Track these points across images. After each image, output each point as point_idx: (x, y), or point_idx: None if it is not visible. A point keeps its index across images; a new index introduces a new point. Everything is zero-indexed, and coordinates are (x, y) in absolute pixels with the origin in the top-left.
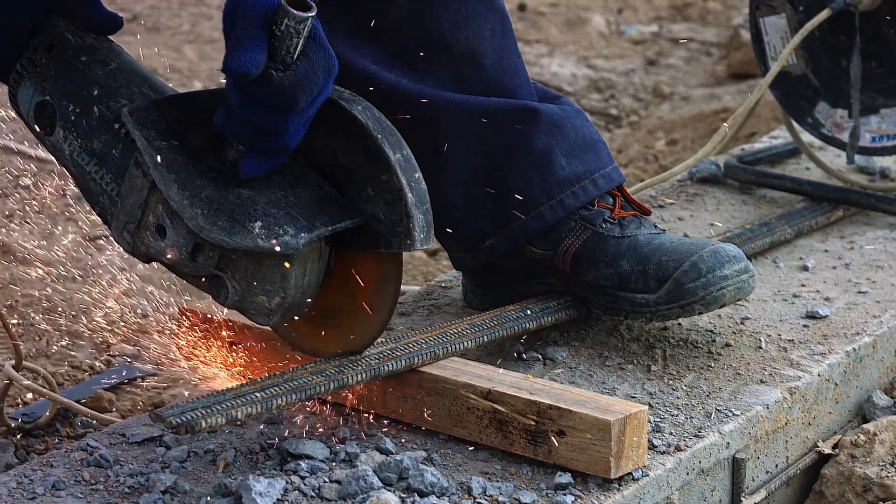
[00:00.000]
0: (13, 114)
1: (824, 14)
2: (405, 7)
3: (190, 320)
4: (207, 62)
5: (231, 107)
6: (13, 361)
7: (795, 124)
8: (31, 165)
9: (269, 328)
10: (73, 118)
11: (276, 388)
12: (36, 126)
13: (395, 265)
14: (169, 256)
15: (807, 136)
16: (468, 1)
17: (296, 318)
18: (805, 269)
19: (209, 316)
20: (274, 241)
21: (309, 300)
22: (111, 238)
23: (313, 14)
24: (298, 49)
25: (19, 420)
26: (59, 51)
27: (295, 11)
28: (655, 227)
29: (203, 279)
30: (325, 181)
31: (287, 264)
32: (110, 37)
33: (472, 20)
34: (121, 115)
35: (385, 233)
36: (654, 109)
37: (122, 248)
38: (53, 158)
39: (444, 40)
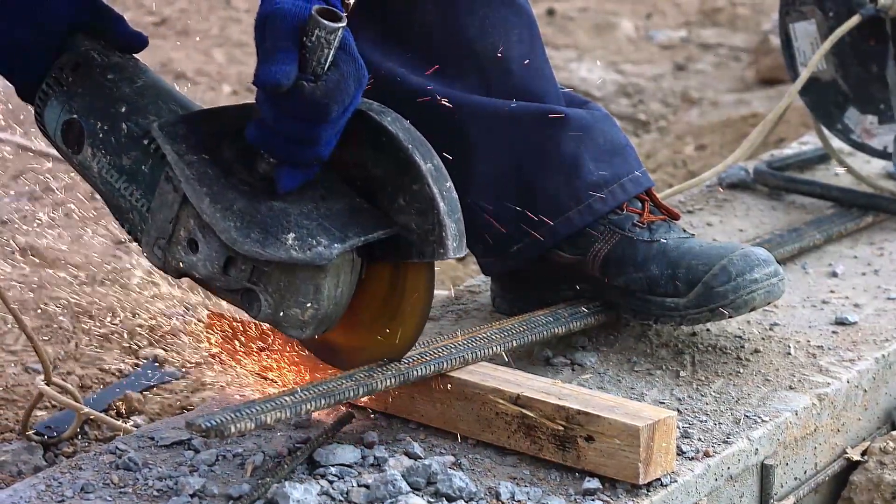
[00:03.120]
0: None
1: (854, 20)
2: (433, 13)
3: (218, 323)
4: (236, 66)
5: (263, 119)
6: (42, 377)
7: (825, 130)
8: (61, 168)
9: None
10: (101, 135)
11: (305, 393)
12: (63, 144)
13: (427, 274)
14: (201, 271)
15: (836, 142)
16: (495, 6)
17: (328, 330)
18: (834, 275)
19: (238, 319)
20: (308, 252)
21: (342, 312)
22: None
23: (344, 24)
24: (329, 60)
25: (45, 436)
26: (86, 69)
27: (326, 22)
28: (684, 231)
29: (235, 293)
30: (356, 193)
31: (320, 275)
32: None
33: (499, 26)
34: (150, 131)
35: (417, 242)
36: (682, 114)
37: (152, 264)
38: (83, 179)
39: (471, 45)
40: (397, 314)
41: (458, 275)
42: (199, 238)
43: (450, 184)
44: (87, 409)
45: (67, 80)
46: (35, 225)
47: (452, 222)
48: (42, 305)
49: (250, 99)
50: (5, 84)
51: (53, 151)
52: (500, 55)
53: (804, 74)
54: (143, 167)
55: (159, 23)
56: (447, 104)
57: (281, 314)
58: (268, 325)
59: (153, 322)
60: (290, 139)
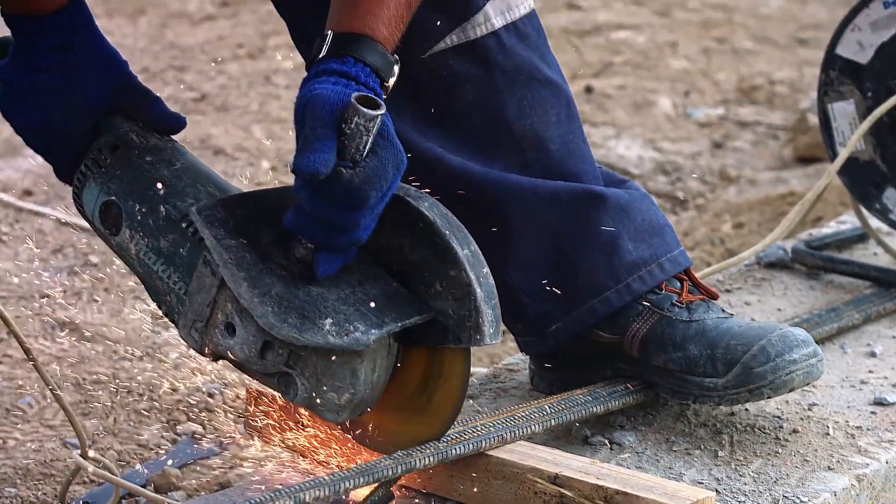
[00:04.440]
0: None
1: (893, 100)
2: (471, 93)
3: (257, 400)
4: (275, 142)
5: (301, 205)
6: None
7: (863, 210)
8: (101, 243)
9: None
10: (139, 217)
11: (344, 471)
12: (101, 226)
13: (463, 359)
14: (238, 354)
15: (874, 222)
16: (534, 86)
17: (364, 413)
18: (873, 355)
19: (277, 396)
20: (345, 337)
21: (378, 396)
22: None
23: (383, 111)
24: (368, 146)
25: None
26: (124, 151)
27: (365, 110)
28: (723, 311)
29: (272, 376)
30: (393, 277)
31: (357, 360)
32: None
33: (537, 106)
34: (188, 214)
35: (454, 328)
36: (720, 192)
37: (190, 348)
38: (120, 260)
39: (510, 126)
40: (434, 398)
41: (496, 352)
42: (237, 322)
43: (486, 270)
44: (125, 484)
45: (106, 161)
46: (74, 299)
47: (489, 308)
48: (81, 380)
49: (289, 176)
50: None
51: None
52: (538, 135)
53: (843, 154)
54: (181, 250)
55: (199, 98)
56: (486, 184)
57: (317, 398)
58: (303, 408)
59: (191, 397)
60: (327, 225)
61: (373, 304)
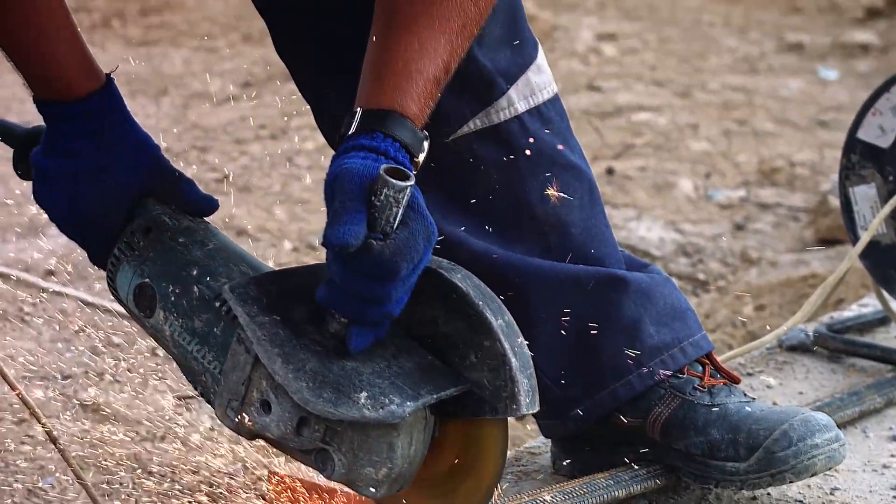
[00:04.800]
0: (95, 273)
1: None
2: (495, 177)
3: (279, 483)
4: (297, 222)
5: (333, 279)
6: None
7: (885, 293)
8: (124, 324)
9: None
10: (173, 299)
11: None
12: (135, 309)
13: (500, 430)
14: (274, 432)
15: None
16: (557, 171)
17: (402, 488)
18: (894, 439)
19: (299, 479)
20: (380, 410)
21: (415, 470)
22: (215, 416)
23: (412, 182)
24: (398, 218)
25: None
26: (157, 233)
27: (394, 181)
28: (745, 395)
29: (309, 453)
30: (427, 350)
31: (393, 434)
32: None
33: (560, 190)
34: (221, 293)
35: (490, 399)
36: (741, 274)
37: (225, 426)
38: (154, 342)
39: (533, 209)
40: (472, 470)
41: (517, 435)
42: (272, 399)
43: (521, 339)
44: None
45: (139, 244)
46: (97, 380)
47: (525, 378)
48: (103, 461)
49: (311, 256)
50: (68, 240)
51: (116, 307)
52: (561, 219)
53: (864, 238)
54: (214, 329)
55: (221, 179)
56: (508, 268)
57: (355, 474)
58: (341, 484)
59: (213, 479)
60: (360, 298)
61: (408, 377)
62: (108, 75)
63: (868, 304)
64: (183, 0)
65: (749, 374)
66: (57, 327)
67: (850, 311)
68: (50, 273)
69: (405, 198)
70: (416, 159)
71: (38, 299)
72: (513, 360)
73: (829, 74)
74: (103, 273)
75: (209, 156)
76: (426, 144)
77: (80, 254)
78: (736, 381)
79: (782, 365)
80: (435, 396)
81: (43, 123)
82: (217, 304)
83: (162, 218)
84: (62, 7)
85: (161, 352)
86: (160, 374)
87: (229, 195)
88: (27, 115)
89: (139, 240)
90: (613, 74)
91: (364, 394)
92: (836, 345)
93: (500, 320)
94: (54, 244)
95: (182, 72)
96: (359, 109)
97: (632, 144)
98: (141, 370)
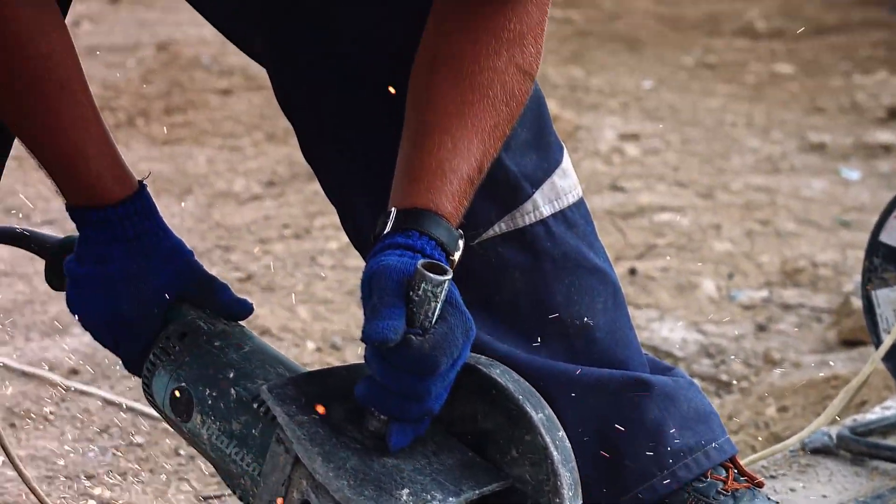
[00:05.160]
0: (120, 372)
1: None
2: (520, 280)
3: None
4: (321, 322)
5: (372, 377)
6: None
7: None
8: (145, 423)
9: None
10: (210, 402)
11: None
12: (172, 414)
13: None
14: None
15: None
16: (582, 274)
17: None
18: None
19: None
20: None
21: None
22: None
23: (449, 277)
24: (436, 313)
25: None
26: (193, 338)
27: (432, 275)
28: (768, 498)
29: None
30: (467, 446)
31: None
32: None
33: (585, 293)
34: (259, 395)
35: (532, 494)
36: (764, 375)
37: None
38: (191, 446)
39: (556, 313)
40: None
41: None
42: (313, 498)
43: (562, 433)
44: None
45: (174, 349)
46: (119, 479)
47: (567, 471)
48: None
49: (334, 356)
50: (91, 338)
51: (139, 406)
52: (585, 323)
53: (887, 342)
54: (253, 431)
55: (245, 278)
56: (533, 371)
57: None
58: None
59: None
60: (399, 395)
61: (449, 474)
62: (140, 182)
63: (891, 407)
64: (207, 99)
65: (772, 477)
66: (80, 426)
67: (874, 414)
68: (73, 372)
69: (443, 292)
70: (451, 257)
71: (61, 398)
72: (555, 453)
73: (851, 174)
74: (126, 372)
75: (233, 255)
76: (461, 243)
77: (104, 353)
78: (760, 484)
79: (805, 468)
80: (477, 492)
81: (72, 233)
82: (255, 406)
83: (197, 322)
84: (94, 115)
85: (184, 451)
86: (183, 474)
87: (253, 295)
88: (52, 213)
89: (174, 344)
90: (636, 175)
91: (406, 490)
92: (860, 447)
93: (541, 414)
94: (78, 343)
95: (206, 171)
96: (393, 209)
97: (654, 245)
98: (164, 469)
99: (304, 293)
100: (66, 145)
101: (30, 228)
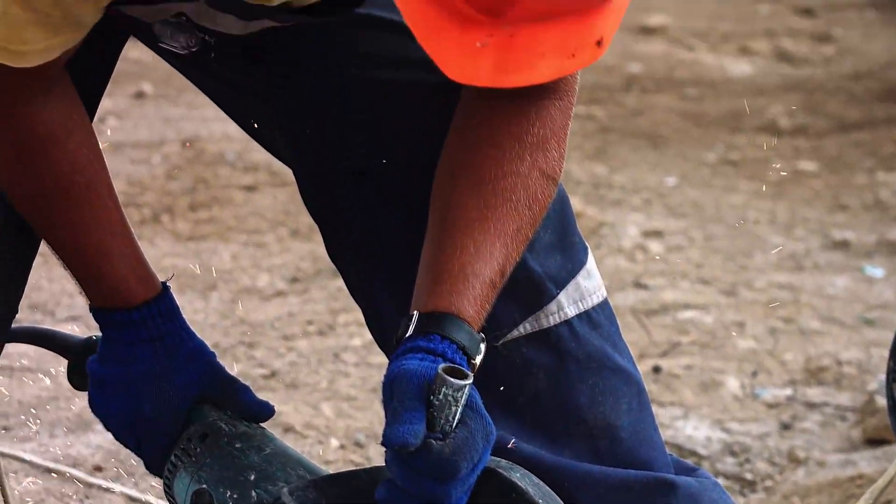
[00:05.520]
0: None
1: None
2: (544, 381)
3: None
4: (344, 419)
5: (392, 480)
6: None
7: None
8: None
9: None
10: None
11: None
12: None
13: None
14: None
15: None
16: (606, 375)
17: None
18: None
19: None
20: None
21: None
22: None
23: (470, 381)
24: (457, 417)
25: None
26: (214, 439)
27: (452, 380)
28: None
29: None
30: None
31: None
32: None
33: (609, 394)
34: (280, 497)
35: None
36: (789, 474)
37: None
38: None
39: (581, 414)
40: None
41: None
42: None
43: None
44: None
45: (196, 450)
46: None
47: None
48: None
49: (358, 454)
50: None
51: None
52: (610, 423)
53: None
54: None
55: (269, 375)
56: (557, 473)
57: None
58: None
59: None
60: (420, 498)
61: None
62: (164, 283)
63: None
64: (231, 195)
65: None
66: None
67: None
68: (97, 469)
69: (464, 397)
70: (473, 361)
71: (85, 495)
72: None
73: (875, 272)
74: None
75: (257, 352)
76: (483, 347)
77: (127, 451)
78: None
79: None
80: None
81: (96, 330)
82: None
83: (218, 424)
84: (119, 217)
85: None
86: None
87: (277, 392)
88: (77, 309)
89: (196, 446)
90: (659, 272)
91: None
92: None
93: None
94: (101, 439)
95: (231, 266)
96: (416, 312)
97: (678, 342)
98: None
99: (327, 390)
100: (90, 246)
101: (52, 329)
